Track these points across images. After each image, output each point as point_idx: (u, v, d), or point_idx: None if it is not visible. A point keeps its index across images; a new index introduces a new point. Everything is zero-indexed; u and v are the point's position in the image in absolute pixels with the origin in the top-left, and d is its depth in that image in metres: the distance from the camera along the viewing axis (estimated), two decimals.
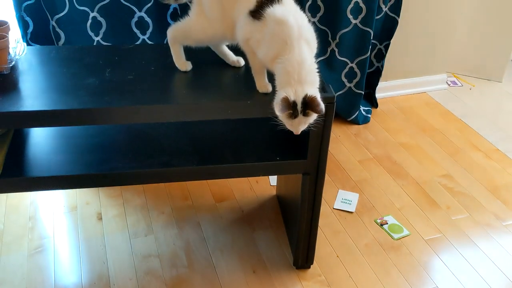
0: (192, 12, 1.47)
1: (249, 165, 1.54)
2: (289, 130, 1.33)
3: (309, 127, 1.34)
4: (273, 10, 1.29)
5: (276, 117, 1.30)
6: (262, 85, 1.42)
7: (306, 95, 1.26)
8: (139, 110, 1.35)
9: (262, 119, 1.69)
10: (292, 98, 1.26)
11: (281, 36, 1.27)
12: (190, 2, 1.49)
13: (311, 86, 1.28)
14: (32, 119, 1.34)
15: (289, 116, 1.28)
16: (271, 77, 1.39)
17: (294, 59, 1.26)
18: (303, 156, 1.54)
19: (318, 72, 1.31)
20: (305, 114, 1.28)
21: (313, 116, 1.31)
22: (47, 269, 1.78)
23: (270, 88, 1.42)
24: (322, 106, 1.27)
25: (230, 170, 1.55)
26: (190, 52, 1.54)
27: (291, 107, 1.26)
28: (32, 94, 1.39)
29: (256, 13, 1.31)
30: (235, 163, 1.53)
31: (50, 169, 1.48)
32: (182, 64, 1.51)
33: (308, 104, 1.26)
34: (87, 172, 1.48)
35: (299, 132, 1.33)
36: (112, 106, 1.34)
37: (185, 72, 1.51)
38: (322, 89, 1.39)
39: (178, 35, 1.49)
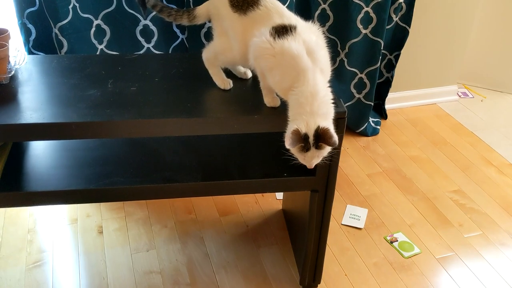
0: (214, 33, 1.44)
1: (255, 181, 1.48)
2: (302, 164, 1.28)
3: (323, 160, 1.29)
4: (288, 45, 1.24)
5: (288, 150, 1.25)
6: (270, 99, 1.36)
7: (318, 127, 1.21)
8: (141, 124, 1.30)
9: (269, 134, 1.63)
10: (303, 130, 1.21)
11: (296, 69, 1.23)
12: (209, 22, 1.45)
13: (324, 118, 1.23)
14: (30, 132, 1.29)
15: (300, 149, 1.23)
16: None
17: (307, 91, 1.21)
18: (312, 173, 1.48)
19: (333, 103, 1.26)
20: (318, 147, 1.23)
21: (327, 149, 1.26)
22: (45, 284, 1.72)
23: (278, 103, 1.36)
24: (336, 138, 1.22)
25: (235, 186, 1.49)
26: (195, 64, 1.48)
27: (302, 140, 1.21)
28: (31, 106, 1.33)
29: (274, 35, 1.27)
30: (241, 179, 1.47)
31: (49, 184, 1.43)
32: (222, 82, 1.45)
33: (321, 136, 1.21)
34: (87, 187, 1.43)
35: (312, 166, 1.28)
36: (113, 120, 1.29)
37: (224, 90, 1.44)
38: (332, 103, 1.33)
39: (209, 57, 1.45)
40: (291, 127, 1.22)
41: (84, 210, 2.03)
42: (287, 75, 1.25)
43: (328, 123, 1.23)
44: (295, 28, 1.27)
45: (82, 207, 2.05)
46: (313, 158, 1.25)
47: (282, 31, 1.26)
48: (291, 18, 1.31)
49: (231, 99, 1.43)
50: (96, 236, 1.92)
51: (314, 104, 1.21)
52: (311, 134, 1.21)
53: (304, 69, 1.23)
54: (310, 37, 1.28)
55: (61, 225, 1.97)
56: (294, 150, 1.24)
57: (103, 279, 1.75)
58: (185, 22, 1.48)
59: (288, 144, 1.21)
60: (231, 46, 1.38)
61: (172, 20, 1.49)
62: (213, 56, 1.44)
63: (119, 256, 1.84)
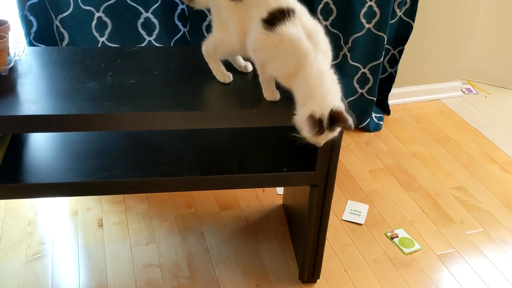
0: (213, 25, 1.43)
1: (254, 176, 1.47)
2: (308, 143, 1.27)
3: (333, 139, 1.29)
4: (286, 30, 1.23)
5: (296, 131, 1.24)
6: (270, 93, 1.35)
7: (332, 109, 1.21)
8: (139, 117, 1.29)
9: (268, 128, 1.63)
10: (318, 114, 1.20)
11: (297, 54, 1.22)
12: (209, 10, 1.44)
13: (335, 98, 1.23)
14: (28, 124, 1.28)
15: (315, 133, 1.22)
16: (278, 84, 1.33)
17: (313, 74, 1.21)
18: (312, 168, 1.47)
19: (338, 82, 1.26)
20: (331, 129, 1.23)
21: (338, 130, 1.26)
22: (44, 277, 1.72)
23: (278, 96, 1.35)
24: (350, 120, 1.22)
25: (234, 181, 1.48)
26: (195, 57, 1.47)
27: (318, 124, 1.20)
28: (29, 98, 1.33)
29: (269, 24, 1.25)
30: (240, 174, 1.47)
31: (48, 176, 1.43)
32: (222, 76, 1.44)
33: (335, 119, 1.21)
34: (86, 179, 1.42)
35: (321, 145, 1.28)
36: (111, 112, 1.28)
37: (224, 83, 1.43)
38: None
39: (209, 49, 1.44)
40: (304, 112, 1.21)
41: (84, 203, 2.03)
42: (289, 62, 1.23)
43: (340, 104, 1.23)
44: (293, 11, 1.25)
45: (82, 200, 2.05)
46: (325, 139, 1.25)
47: (280, 15, 1.24)
48: (289, 0, 1.28)
49: (231, 93, 1.42)
50: (96, 229, 1.92)
51: (323, 86, 1.21)
52: (325, 118, 1.21)
53: (306, 53, 1.22)
54: (309, 21, 1.26)
55: (61, 217, 1.97)
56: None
57: (103, 272, 1.75)
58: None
59: (306, 131, 1.19)
60: (230, 36, 1.37)
61: None
62: (213, 49, 1.43)
63: (119, 249, 1.84)
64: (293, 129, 1.25)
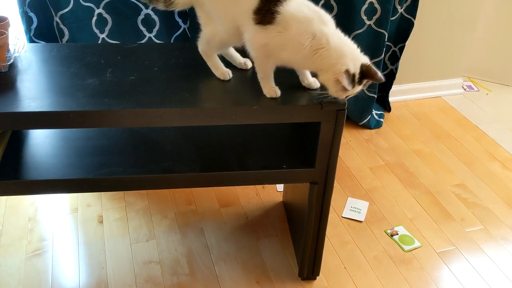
0: (201, 22, 1.43)
1: (254, 173, 1.47)
2: (331, 98, 1.31)
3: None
4: (287, 11, 1.24)
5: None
6: (271, 89, 1.35)
7: (362, 64, 1.25)
8: (139, 113, 1.29)
9: (268, 125, 1.63)
10: (352, 70, 1.23)
11: (308, 31, 1.24)
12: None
13: (360, 53, 1.27)
14: (28, 121, 1.28)
15: (344, 87, 1.25)
16: (277, 80, 1.33)
17: (335, 38, 1.25)
18: (311, 165, 1.47)
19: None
20: (359, 82, 1.27)
21: (364, 83, 1.29)
22: (44, 273, 1.73)
23: (278, 92, 1.35)
24: (380, 73, 1.26)
25: (234, 178, 1.48)
26: (195, 54, 1.47)
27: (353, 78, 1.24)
28: (29, 94, 1.33)
29: (264, 17, 1.25)
30: (240, 171, 1.47)
31: (48, 173, 1.43)
32: (221, 73, 1.44)
33: (365, 73, 1.26)
34: (86, 176, 1.43)
35: (345, 99, 1.32)
36: (111, 109, 1.28)
37: (224, 80, 1.43)
38: None
39: (203, 47, 1.44)
40: (339, 69, 1.23)
41: (85, 199, 2.04)
42: (303, 41, 1.24)
43: (366, 58, 1.27)
44: None
45: (83, 196, 2.05)
46: (351, 94, 1.29)
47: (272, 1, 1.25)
48: None
49: (230, 90, 1.42)
50: (96, 225, 1.92)
51: (348, 44, 1.26)
52: (357, 73, 1.25)
53: (316, 27, 1.24)
54: None
55: (61, 214, 1.97)
56: (337, 88, 1.26)
57: (103, 269, 1.75)
58: (160, 6, 1.44)
59: (347, 85, 1.22)
60: (218, 28, 1.37)
61: (146, 2, 1.45)
62: (207, 46, 1.43)
63: (119, 246, 1.84)
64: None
